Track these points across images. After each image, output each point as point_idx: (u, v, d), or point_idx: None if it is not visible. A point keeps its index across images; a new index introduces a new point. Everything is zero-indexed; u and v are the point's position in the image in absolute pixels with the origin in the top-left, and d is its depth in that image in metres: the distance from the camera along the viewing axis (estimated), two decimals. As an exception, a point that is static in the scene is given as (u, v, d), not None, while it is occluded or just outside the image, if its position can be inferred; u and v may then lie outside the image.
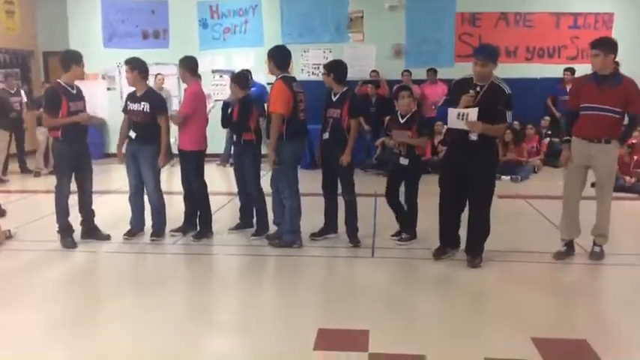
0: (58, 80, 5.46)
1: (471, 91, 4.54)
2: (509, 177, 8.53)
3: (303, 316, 3.88)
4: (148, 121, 5.43)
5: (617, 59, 4.84)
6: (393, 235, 5.53)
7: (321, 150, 5.47)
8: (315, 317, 3.84)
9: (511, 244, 5.35)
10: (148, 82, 5.64)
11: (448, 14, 10.89)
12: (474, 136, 4.56)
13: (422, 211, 5.46)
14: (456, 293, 4.31)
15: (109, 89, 11.57)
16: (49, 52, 12.01)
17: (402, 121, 5.41)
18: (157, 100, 5.52)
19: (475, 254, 4.78)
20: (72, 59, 5.37)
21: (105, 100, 11.37)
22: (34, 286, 4.53)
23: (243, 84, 5.72)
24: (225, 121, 5.73)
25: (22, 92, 9.66)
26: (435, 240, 5.05)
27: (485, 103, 4.49)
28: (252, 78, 6.07)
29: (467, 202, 4.79)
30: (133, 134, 5.52)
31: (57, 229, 5.48)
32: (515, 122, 9.51)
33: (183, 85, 6.20)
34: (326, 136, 5.35)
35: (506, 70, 10.41)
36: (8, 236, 5.62)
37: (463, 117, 4.51)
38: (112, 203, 6.92)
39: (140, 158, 5.49)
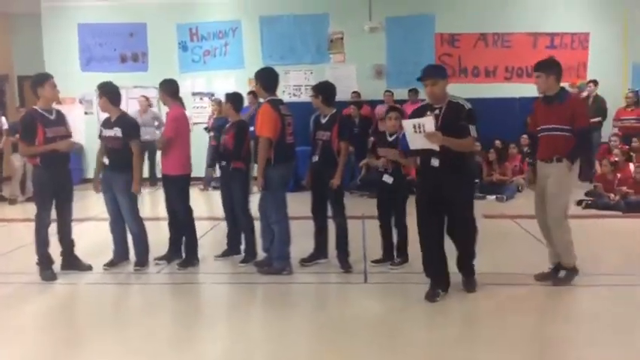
0: (35, 107, 5.27)
1: (428, 113, 4.36)
2: (494, 197, 8.54)
3: (294, 349, 3.74)
4: (121, 148, 5.28)
5: (595, 78, 4.86)
6: (374, 262, 5.39)
7: (311, 173, 5.38)
8: (307, 349, 3.71)
9: (502, 265, 5.28)
10: (121, 106, 5.49)
11: (427, 35, 11.01)
12: (435, 162, 4.34)
13: (412, 233, 5.37)
14: (450, 320, 4.20)
15: (86, 113, 11.39)
16: (24, 76, 11.75)
17: (389, 140, 5.37)
18: (128, 125, 5.36)
19: (470, 277, 4.65)
20: (36, 83, 5.17)
21: (82, 124, 11.17)
22: (10, 322, 4.30)
23: (239, 106, 5.63)
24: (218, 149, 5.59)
25: (3, 118, 9.42)
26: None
27: (447, 123, 4.29)
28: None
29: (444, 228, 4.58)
30: (106, 161, 5.36)
31: (36, 260, 5.26)
32: (497, 141, 9.59)
33: (165, 108, 6.08)
34: (315, 158, 5.28)
35: (486, 89, 10.60)
36: (-17, 269, 5.38)
37: (420, 129, 4.27)
38: (91, 231, 6.72)
39: (115, 186, 5.33)
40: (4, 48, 11.80)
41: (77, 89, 11.14)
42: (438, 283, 4.52)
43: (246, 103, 9.38)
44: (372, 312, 4.37)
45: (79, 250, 5.56)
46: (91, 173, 10.98)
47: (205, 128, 10.01)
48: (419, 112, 4.53)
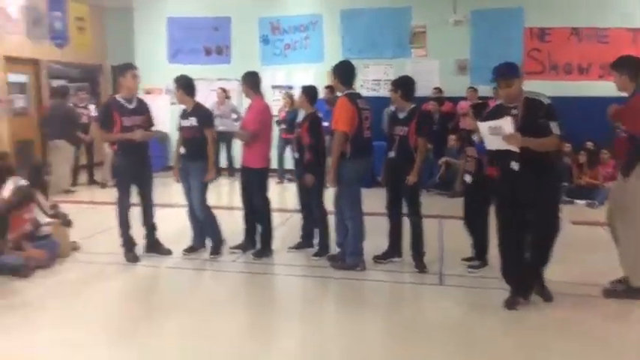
0: (115, 95, 5.52)
1: (507, 117, 3.99)
2: (584, 202, 8.03)
3: (367, 346, 3.67)
4: (196, 137, 5.40)
5: None
6: (464, 259, 5.24)
7: (386, 169, 5.27)
8: (380, 347, 3.63)
9: (589, 276, 4.93)
10: (204, 98, 5.65)
11: (516, 29, 10.49)
12: (514, 166, 4.07)
13: (494, 235, 5.15)
14: (529, 329, 3.97)
15: (172, 104, 11.75)
16: (117, 66, 12.37)
17: (475, 138, 5.16)
18: (203, 115, 5.49)
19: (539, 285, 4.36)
20: (120, 73, 5.44)
21: (168, 114, 11.56)
22: (94, 299, 4.53)
23: (313, 98, 5.62)
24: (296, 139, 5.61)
25: (91, 106, 9.94)
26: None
27: (526, 122, 3.98)
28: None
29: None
30: (183, 150, 5.51)
31: (120, 242, 5.51)
32: (589, 143, 9.01)
33: (246, 101, 6.15)
34: (392, 154, 5.16)
35: (578, 87, 9.99)
36: (74, 247, 5.69)
37: (497, 131, 3.99)
38: (173, 217, 6.94)
39: (190, 174, 5.48)
40: (99, 40, 12.45)
41: (163, 80, 11.51)
42: (518, 291, 4.29)
43: (321, 95, 9.41)
44: (446, 315, 4.23)
45: (161, 235, 5.76)
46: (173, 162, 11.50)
47: (277, 121, 10.09)
48: (492, 114, 4.25)
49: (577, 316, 4.17)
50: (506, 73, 4.08)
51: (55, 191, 8.57)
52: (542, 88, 4.33)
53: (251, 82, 5.57)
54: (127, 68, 5.42)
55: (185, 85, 5.47)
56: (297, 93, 10.02)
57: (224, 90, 10.66)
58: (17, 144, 9.74)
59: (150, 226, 5.64)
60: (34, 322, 4.07)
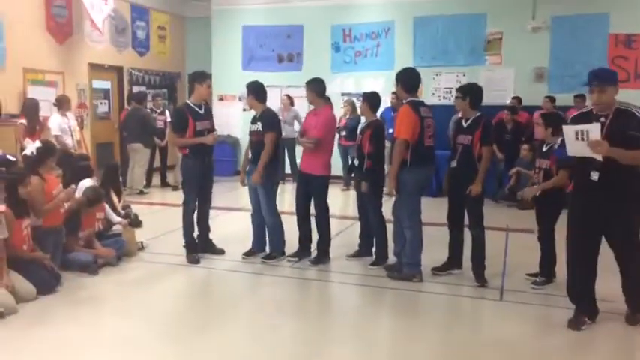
0: (187, 101, 5.70)
1: (596, 124, 3.77)
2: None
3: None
4: (262, 141, 5.44)
5: None
6: (528, 275, 5.00)
7: (449, 179, 5.12)
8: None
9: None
10: (274, 104, 5.70)
11: (599, 36, 9.94)
12: (594, 176, 3.83)
13: (563, 251, 4.87)
14: (592, 353, 3.72)
15: (244, 110, 12.04)
16: (194, 72, 12.82)
17: (544, 150, 4.95)
18: (268, 119, 5.51)
19: (634, 308, 4.08)
20: (194, 79, 5.60)
21: (240, 120, 11.88)
22: (154, 298, 4.69)
23: (376, 105, 5.56)
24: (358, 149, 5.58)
25: (167, 112, 10.36)
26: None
27: (614, 132, 3.74)
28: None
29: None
30: (250, 155, 5.59)
31: (183, 244, 5.68)
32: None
33: (309, 107, 6.16)
34: (454, 164, 5.01)
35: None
36: (141, 247, 5.93)
37: (583, 136, 3.75)
38: (238, 220, 7.10)
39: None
40: (179, 48, 13.00)
41: (237, 87, 11.82)
42: (584, 310, 4.03)
43: (388, 102, 9.31)
44: (503, 333, 4.02)
45: (226, 237, 5.90)
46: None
47: (337, 128, 10.06)
48: (579, 120, 4.02)
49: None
50: (603, 77, 3.90)
51: (130, 192, 9.02)
52: (628, 97, 4.04)
53: (317, 89, 5.56)
54: (206, 77, 5.65)
55: (256, 91, 5.56)
56: (355, 100, 10.07)
57: (289, 97, 10.80)
58: (98, 146, 10.31)
59: (204, 227, 5.80)
60: (99, 316, 4.28)
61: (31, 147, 5.11)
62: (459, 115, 5.25)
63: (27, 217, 4.57)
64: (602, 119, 3.83)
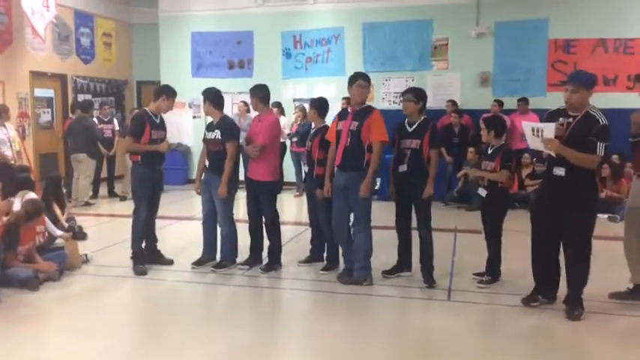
0: (145, 108, 5.62)
1: (560, 119, 4.13)
2: (606, 216, 7.77)
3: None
4: (220, 150, 5.38)
5: None
6: (475, 274, 5.11)
7: (396, 183, 5.16)
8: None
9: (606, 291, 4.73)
10: (225, 111, 5.66)
11: (540, 41, 10.31)
12: (559, 171, 4.14)
13: (509, 251, 5.02)
14: (544, 350, 3.81)
15: (194, 117, 11.91)
16: (142, 81, 12.62)
17: (489, 152, 5.09)
18: (227, 127, 5.46)
19: (572, 304, 4.25)
20: (165, 92, 5.56)
21: (191, 128, 11.72)
22: (98, 312, 4.54)
23: (323, 110, 5.57)
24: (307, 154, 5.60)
25: (115, 120, 10.12)
26: (523, 284, 4.64)
27: (576, 134, 4.05)
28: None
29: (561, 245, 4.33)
30: (207, 163, 5.52)
31: (131, 255, 5.54)
32: (615, 156, 8.74)
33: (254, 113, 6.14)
34: (403, 168, 5.03)
35: (604, 99, 9.63)
36: (85, 260, 5.74)
37: (537, 133, 4.10)
38: (190, 230, 6.98)
39: (212, 187, 5.44)
40: (125, 55, 12.73)
41: (187, 94, 11.63)
42: (540, 290, 4.38)
43: (339, 108, 9.36)
44: (450, 331, 4.10)
45: (177, 247, 5.79)
46: (196, 174, 11.61)
47: (288, 134, 10.08)
48: (552, 115, 4.30)
49: (591, 334, 4.00)
50: (578, 79, 4.22)
51: (76, 204, 8.75)
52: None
53: (260, 95, 5.55)
54: (174, 95, 5.60)
55: (213, 97, 5.50)
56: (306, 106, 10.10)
57: (245, 103, 10.72)
58: (42, 157, 9.97)
59: (152, 238, 5.69)
60: (41, 333, 4.11)
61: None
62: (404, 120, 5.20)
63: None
64: (570, 119, 4.12)
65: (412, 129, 5.02)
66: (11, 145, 7.63)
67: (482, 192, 5.08)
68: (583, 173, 4.09)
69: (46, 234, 5.56)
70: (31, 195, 5.38)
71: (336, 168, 5.06)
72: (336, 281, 5.16)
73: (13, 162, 7.38)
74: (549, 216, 4.28)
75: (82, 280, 5.31)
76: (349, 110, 5.12)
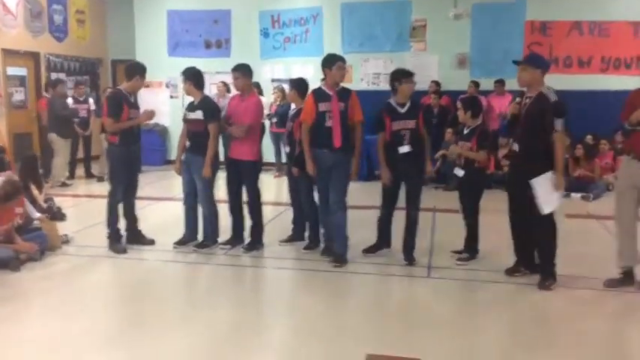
0: (119, 87, 5.56)
1: (517, 99, 4.53)
2: (579, 195, 7.98)
3: (351, 339, 3.65)
4: (201, 130, 5.36)
5: None
6: (453, 252, 5.23)
7: (396, 164, 5.02)
8: (364, 341, 3.60)
9: (581, 268, 4.90)
10: (205, 90, 5.62)
11: (517, 23, 10.42)
12: (515, 147, 4.58)
13: (486, 229, 5.15)
14: (517, 321, 3.98)
15: (171, 97, 11.78)
16: (117, 60, 12.40)
17: (465, 132, 5.17)
18: (210, 108, 5.44)
19: (544, 275, 4.47)
20: (137, 71, 5.53)
21: (168, 107, 11.59)
22: (80, 292, 4.54)
23: (303, 91, 5.57)
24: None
25: (91, 100, 9.96)
26: (500, 261, 4.80)
27: (531, 113, 4.37)
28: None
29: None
30: (188, 143, 5.50)
31: (107, 234, 5.53)
32: (589, 136, 8.96)
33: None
34: (406, 149, 5.01)
35: (579, 81, 9.91)
36: (65, 241, 5.70)
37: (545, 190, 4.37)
38: (170, 210, 6.97)
39: (193, 167, 5.44)
40: (99, 33, 12.47)
41: (164, 73, 11.55)
42: (522, 262, 4.64)
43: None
44: (430, 306, 4.24)
45: (157, 227, 5.79)
46: (174, 155, 11.49)
47: (267, 115, 10.06)
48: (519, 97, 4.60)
49: (567, 308, 4.17)
50: (527, 59, 4.73)
51: (53, 184, 8.63)
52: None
53: (249, 75, 5.55)
54: (145, 70, 5.61)
55: (194, 77, 5.46)
56: (285, 86, 10.08)
57: (225, 84, 10.63)
58: (15, 137, 9.78)
59: (132, 218, 5.68)
60: (24, 314, 4.10)
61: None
62: (391, 100, 5.12)
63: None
64: (527, 100, 4.44)
65: (405, 110, 5.05)
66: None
67: (459, 172, 5.18)
68: (534, 148, 4.38)
69: (24, 215, 5.49)
70: (10, 175, 5.30)
71: (323, 149, 5.03)
72: (318, 259, 5.23)
73: (-13, 142, 7.24)
74: (515, 190, 4.57)
75: (63, 260, 5.28)
76: (328, 91, 5.10)
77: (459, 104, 5.26)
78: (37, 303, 4.34)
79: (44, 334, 3.73)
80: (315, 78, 9.99)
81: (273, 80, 11.24)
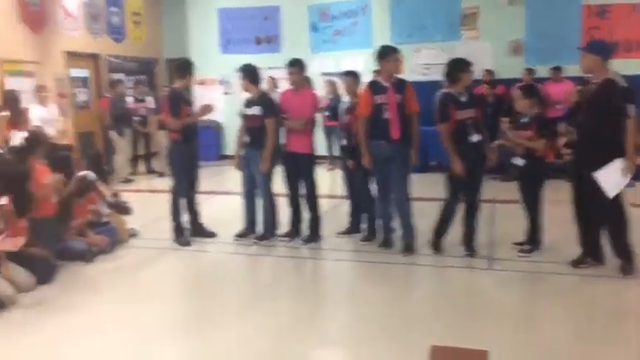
0: (176, 87, 5.74)
1: (578, 87, 4.51)
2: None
3: (414, 330, 3.69)
4: (260, 125, 5.47)
5: None
6: (515, 243, 5.16)
7: (467, 153, 4.94)
8: (428, 332, 3.63)
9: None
10: (260, 86, 5.74)
11: (573, 7, 10.09)
12: (574, 135, 4.60)
13: (547, 220, 5.07)
14: (585, 313, 3.91)
15: (225, 94, 12.01)
16: (172, 59, 12.70)
17: (522, 121, 5.08)
18: (267, 104, 5.54)
19: (623, 258, 4.44)
20: (186, 68, 5.69)
21: (222, 104, 11.81)
22: (150, 281, 4.77)
23: (359, 83, 5.61)
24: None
25: (150, 98, 10.29)
26: (565, 252, 4.72)
27: (595, 100, 4.32)
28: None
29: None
30: (247, 139, 5.63)
31: (172, 227, 5.74)
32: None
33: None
34: (476, 138, 4.98)
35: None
36: (132, 234, 5.96)
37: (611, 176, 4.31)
38: (225, 203, 7.15)
39: (252, 162, 5.56)
40: (154, 34, 12.83)
41: (217, 71, 11.80)
42: (588, 253, 4.55)
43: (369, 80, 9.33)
44: (497, 299, 4.20)
45: (215, 221, 5.97)
46: (228, 150, 11.79)
47: (321, 108, 10.10)
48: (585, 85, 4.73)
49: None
50: (586, 46, 4.63)
51: (116, 180, 8.99)
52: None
53: (304, 69, 5.65)
54: (194, 67, 5.81)
55: (251, 73, 5.58)
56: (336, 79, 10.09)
57: (273, 79, 10.78)
58: (80, 135, 10.22)
59: (195, 212, 5.88)
60: (97, 302, 4.32)
61: (18, 137, 5.09)
62: (451, 90, 5.05)
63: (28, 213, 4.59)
64: (592, 86, 4.40)
65: (466, 99, 5.01)
66: (54, 125, 7.87)
67: (519, 161, 5.07)
68: (599, 136, 4.31)
69: (96, 210, 5.76)
70: (85, 173, 5.56)
71: (381, 141, 5.07)
72: (376, 251, 5.28)
73: (55, 141, 7.60)
74: (579, 178, 4.52)
75: (131, 252, 5.53)
76: (384, 83, 5.13)
77: (517, 92, 5.17)
78: (108, 292, 4.56)
79: (116, 320, 3.94)
80: (365, 70, 10.04)
81: (323, 74, 11.28)
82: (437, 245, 5.18)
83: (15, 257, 4.42)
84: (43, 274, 4.55)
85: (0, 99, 7.96)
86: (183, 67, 5.71)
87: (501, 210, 6.63)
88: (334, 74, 11.09)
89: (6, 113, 7.35)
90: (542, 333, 3.60)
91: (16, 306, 4.16)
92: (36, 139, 5.01)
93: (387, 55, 5.11)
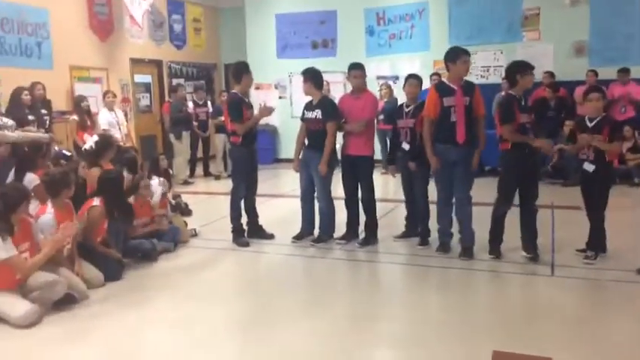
0: (235, 92, 5.85)
1: None
2: None
3: (476, 335, 3.63)
4: (320, 129, 5.53)
5: None
6: (578, 250, 5.02)
7: (528, 157, 4.92)
8: (490, 337, 3.57)
9: None
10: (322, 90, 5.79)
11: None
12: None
13: (611, 226, 4.88)
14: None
15: (280, 98, 12.19)
16: (230, 64, 13.02)
17: (589, 125, 4.89)
18: (328, 107, 5.59)
19: None
20: (242, 70, 5.77)
21: (278, 108, 11.97)
22: (211, 280, 4.90)
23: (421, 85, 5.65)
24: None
25: (209, 103, 10.58)
26: (631, 260, 4.56)
27: None
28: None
29: None
30: (307, 141, 5.70)
31: (231, 229, 5.87)
32: None
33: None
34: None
35: None
36: (193, 234, 6.14)
37: None
38: (282, 206, 7.26)
39: (312, 165, 5.62)
40: (213, 40, 13.20)
41: (273, 75, 12.00)
42: None
43: (427, 84, 9.27)
44: (561, 306, 4.08)
45: (269, 222, 6.06)
46: (283, 154, 11.96)
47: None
48: None
49: None
50: None
51: (175, 182, 9.28)
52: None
53: (365, 74, 5.69)
54: (248, 66, 5.84)
55: (314, 77, 5.64)
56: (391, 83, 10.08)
57: (327, 83, 10.83)
58: (141, 139, 10.62)
59: (253, 213, 5.99)
60: (164, 299, 4.48)
61: (90, 141, 5.34)
62: (510, 93, 5.03)
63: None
64: None
65: (524, 103, 4.96)
66: (120, 128, 8.22)
67: (590, 167, 4.84)
68: None
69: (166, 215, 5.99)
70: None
71: (447, 144, 5.03)
72: (433, 255, 5.24)
73: (121, 143, 7.93)
74: None
75: (192, 252, 5.70)
76: (452, 86, 5.08)
77: (594, 95, 4.92)
78: (171, 289, 4.70)
79: (178, 317, 4.08)
80: (422, 73, 9.92)
81: (378, 77, 11.27)
82: (495, 250, 5.08)
83: (87, 255, 4.65)
84: (112, 271, 4.75)
85: (70, 104, 8.39)
86: (238, 71, 5.80)
87: (561, 215, 6.44)
88: (390, 78, 11.12)
89: (75, 117, 7.75)
90: (607, 342, 3.48)
91: (86, 301, 4.36)
92: (106, 143, 5.25)
93: (456, 56, 5.06)
